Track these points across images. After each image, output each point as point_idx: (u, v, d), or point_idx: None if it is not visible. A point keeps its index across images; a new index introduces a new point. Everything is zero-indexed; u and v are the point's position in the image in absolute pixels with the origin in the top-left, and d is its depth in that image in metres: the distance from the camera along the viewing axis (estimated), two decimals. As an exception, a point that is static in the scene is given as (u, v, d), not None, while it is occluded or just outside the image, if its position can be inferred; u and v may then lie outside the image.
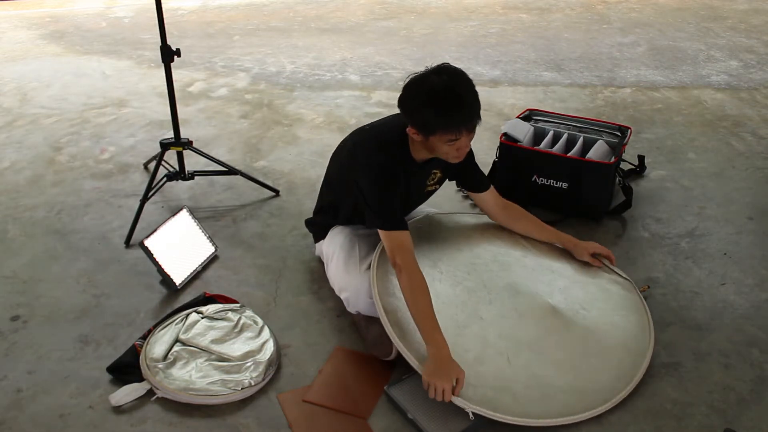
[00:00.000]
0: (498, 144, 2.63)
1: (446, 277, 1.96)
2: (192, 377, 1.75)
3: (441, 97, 1.75)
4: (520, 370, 1.74)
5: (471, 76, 1.83)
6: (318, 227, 2.18)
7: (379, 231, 1.85)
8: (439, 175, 2.08)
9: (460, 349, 1.72)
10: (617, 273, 2.11)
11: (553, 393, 1.70)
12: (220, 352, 1.83)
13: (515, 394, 1.68)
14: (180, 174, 2.58)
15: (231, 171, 2.66)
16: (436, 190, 2.13)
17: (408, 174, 1.93)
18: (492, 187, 2.14)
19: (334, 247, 2.04)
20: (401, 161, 1.89)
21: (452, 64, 1.81)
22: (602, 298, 2.00)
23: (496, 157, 2.64)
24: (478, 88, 1.82)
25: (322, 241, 2.15)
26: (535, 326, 1.87)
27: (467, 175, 2.12)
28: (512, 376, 1.72)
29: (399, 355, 1.81)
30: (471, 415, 1.62)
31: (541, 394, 1.70)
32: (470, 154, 2.03)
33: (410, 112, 1.81)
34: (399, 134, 1.88)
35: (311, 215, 2.25)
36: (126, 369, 1.81)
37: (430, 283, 1.79)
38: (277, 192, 2.69)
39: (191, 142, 2.58)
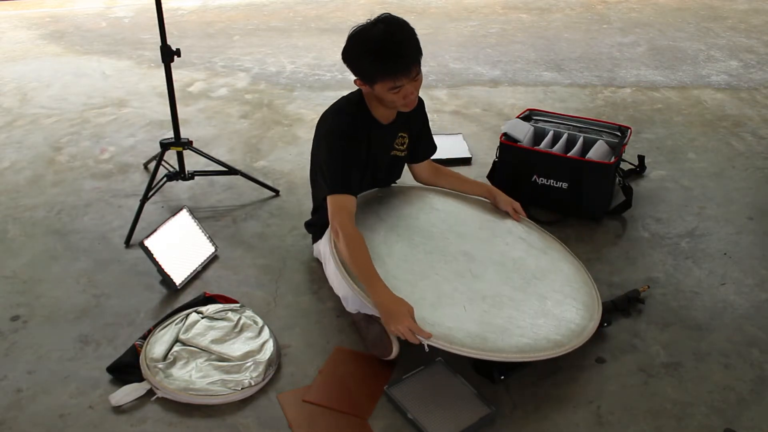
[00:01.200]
0: (498, 144, 2.62)
1: (403, 240, 2.00)
2: (192, 377, 1.75)
3: (379, 45, 1.81)
4: (476, 316, 1.79)
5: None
6: (316, 227, 2.18)
7: (327, 197, 1.90)
8: (407, 140, 2.11)
9: (416, 297, 1.77)
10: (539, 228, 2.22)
11: (510, 335, 1.74)
12: (220, 352, 1.83)
13: (470, 332, 1.72)
14: (180, 174, 2.58)
15: (231, 171, 2.66)
16: (404, 156, 2.16)
17: (371, 134, 1.97)
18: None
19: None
20: (362, 120, 1.95)
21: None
22: (554, 271, 2.04)
23: (496, 157, 2.64)
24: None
25: (319, 241, 2.15)
26: (490, 286, 1.91)
27: (422, 143, 2.21)
28: (468, 319, 1.77)
29: (399, 355, 1.82)
30: (426, 348, 1.67)
31: (497, 336, 1.73)
32: (426, 119, 2.16)
33: (352, 61, 1.88)
34: (357, 95, 1.97)
35: (310, 216, 2.25)
36: (126, 369, 1.81)
37: (388, 245, 1.87)
38: (277, 192, 2.69)
39: (191, 142, 2.58)
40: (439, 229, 2.09)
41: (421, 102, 2.11)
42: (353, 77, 1.92)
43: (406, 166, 2.27)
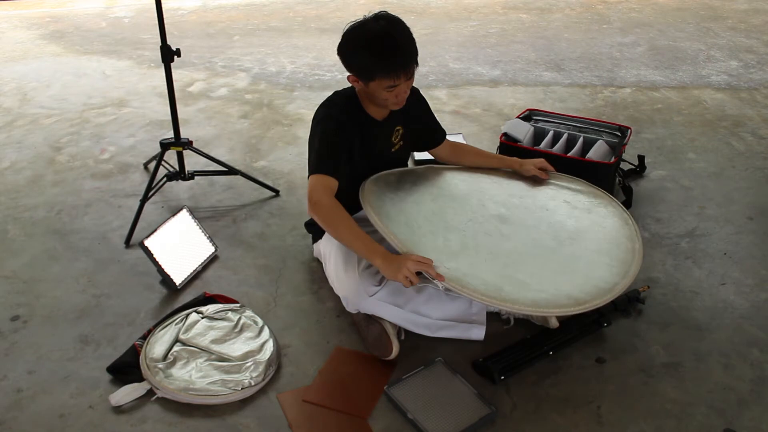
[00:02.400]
0: (498, 144, 2.62)
1: (436, 202, 2.02)
2: (192, 377, 1.75)
3: (379, 42, 1.81)
4: (496, 269, 1.78)
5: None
6: (316, 227, 2.18)
7: (309, 177, 1.90)
8: (401, 130, 2.11)
9: (438, 243, 1.80)
10: (582, 184, 2.20)
11: (528, 289, 1.73)
12: (220, 352, 1.83)
13: (486, 281, 1.71)
14: (180, 174, 2.58)
15: (231, 171, 2.66)
16: (403, 148, 2.15)
17: (366, 131, 1.98)
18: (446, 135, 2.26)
19: (331, 246, 2.04)
20: (353, 115, 1.96)
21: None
22: (594, 230, 2.02)
23: (496, 157, 2.64)
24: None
25: (320, 241, 2.15)
26: (519, 246, 1.90)
27: (428, 130, 2.21)
28: (488, 270, 1.76)
29: (399, 355, 1.82)
30: (441, 287, 1.68)
31: (513, 288, 1.72)
32: (427, 106, 2.17)
33: (349, 57, 1.88)
34: (350, 90, 1.98)
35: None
36: (126, 369, 1.81)
37: (418, 204, 1.93)
38: (277, 192, 2.69)
39: (191, 142, 2.58)
40: (475, 198, 2.09)
41: (415, 91, 2.10)
42: (347, 74, 1.93)
43: (430, 151, 2.29)
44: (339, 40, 1.89)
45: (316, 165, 1.91)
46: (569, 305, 1.71)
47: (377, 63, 1.81)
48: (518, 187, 2.20)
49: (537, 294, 1.72)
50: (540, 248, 1.91)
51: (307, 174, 2.19)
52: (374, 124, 2.00)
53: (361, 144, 1.98)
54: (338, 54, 1.91)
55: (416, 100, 2.13)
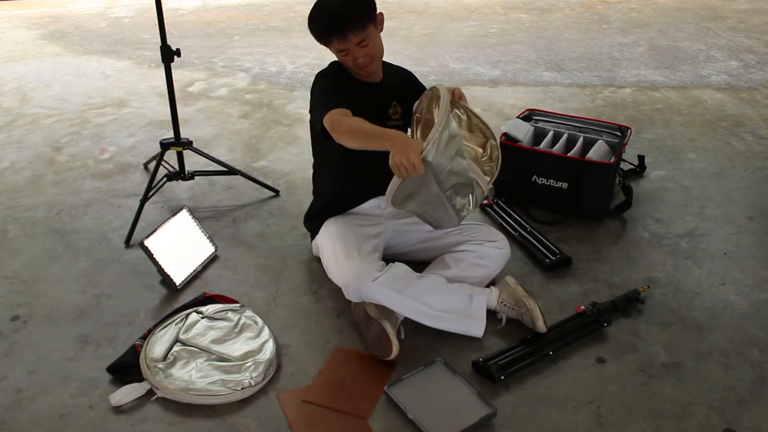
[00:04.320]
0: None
1: None
2: (192, 377, 1.75)
3: (315, 10, 1.95)
4: None
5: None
6: (314, 222, 2.18)
7: (324, 120, 1.86)
8: (399, 109, 2.12)
9: None
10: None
11: None
12: (220, 352, 1.83)
13: None
14: (180, 174, 2.58)
15: (231, 171, 2.67)
16: (400, 127, 2.12)
17: (358, 90, 2.02)
18: None
19: (328, 237, 2.05)
20: (345, 78, 2.03)
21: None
22: None
23: (496, 157, 2.64)
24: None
25: (317, 237, 2.15)
26: None
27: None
28: None
29: (399, 355, 1.82)
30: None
31: None
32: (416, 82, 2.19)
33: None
34: (335, 62, 2.09)
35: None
36: (126, 369, 1.81)
37: None
38: (277, 192, 2.69)
39: (191, 142, 2.58)
40: None
41: (409, 74, 2.19)
42: None
43: None
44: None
45: (325, 104, 1.89)
46: None
47: (313, 31, 1.96)
48: None
49: None
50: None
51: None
52: (364, 85, 2.05)
53: (355, 102, 1.96)
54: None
55: (407, 78, 2.19)
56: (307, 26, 1.98)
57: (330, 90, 1.97)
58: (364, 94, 2.03)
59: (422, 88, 2.16)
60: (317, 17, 1.94)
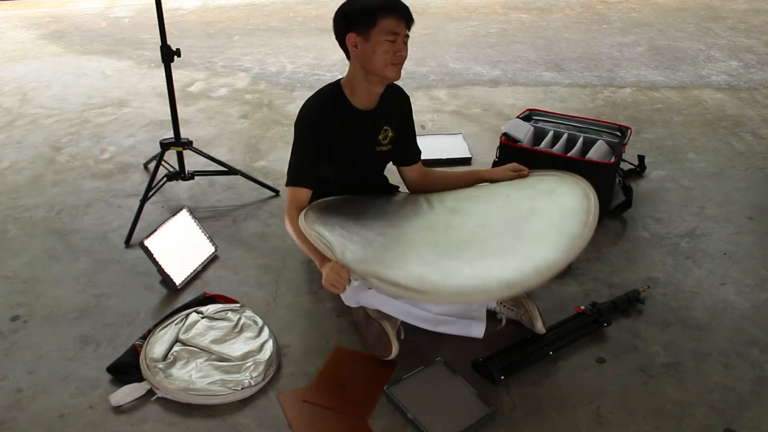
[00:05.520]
0: (498, 144, 2.62)
1: (390, 212, 2.06)
2: (192, 377, 1.75)
3: None
4: (429, 257, 1.79)
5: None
6: None
7: (286, 186, 2.03)
8: (390, 133, 2.11)
9: (370, 237, 1.84)
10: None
11: (456, 277, 1.69)
12: (220, 352, 1.83)
13: (411, 272, 1.70)
14: (180, 174, 2.58)
15: (231, 171, 2.67)
16: (388, 152, 2.15)
17: (348, 120, 2.00)
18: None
19: None
20: (335, 107, 1.99)
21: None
22: (550, 209, 1.92)
23: (496, 157, 2.64)
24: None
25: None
26: (461, 234, 1.89)
27: (405, 140, 2.19)
28: (417, 260, 1.78)
29: (399, 355, 1.82)
30: (360, 284, 1.76)
31: (439, 277, 1.69)
32: (412, 115, 2.18)
33: (348, 13, 1.95)
34: (335, 83, 2.02)
35: None
36: (126, 369, 1.81)
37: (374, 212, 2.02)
38: (277, 192, 2.69)
39: (191, 142, 2.58)
40: (423, 198, 2.12)
41: (407, 98, 2.15)
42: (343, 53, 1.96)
43: (400, 169, 2.25)
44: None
45: (291, 175, 2.05)
46: (497, 289, 1.66)
47: (381, 2, 1.89)
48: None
49: (464, 281, 1.66)
50: (487, 233, 1.86)
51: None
52: (357, 113, 2.02)
53: (340, 133, 1.99)
54: (335, 19, 1.98)
55: (407, 104, 2.16)
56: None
57: (304, 148, 2.01)
58: (355, 123, 2.02)
59: (410, 112, 2.19)
60: None
